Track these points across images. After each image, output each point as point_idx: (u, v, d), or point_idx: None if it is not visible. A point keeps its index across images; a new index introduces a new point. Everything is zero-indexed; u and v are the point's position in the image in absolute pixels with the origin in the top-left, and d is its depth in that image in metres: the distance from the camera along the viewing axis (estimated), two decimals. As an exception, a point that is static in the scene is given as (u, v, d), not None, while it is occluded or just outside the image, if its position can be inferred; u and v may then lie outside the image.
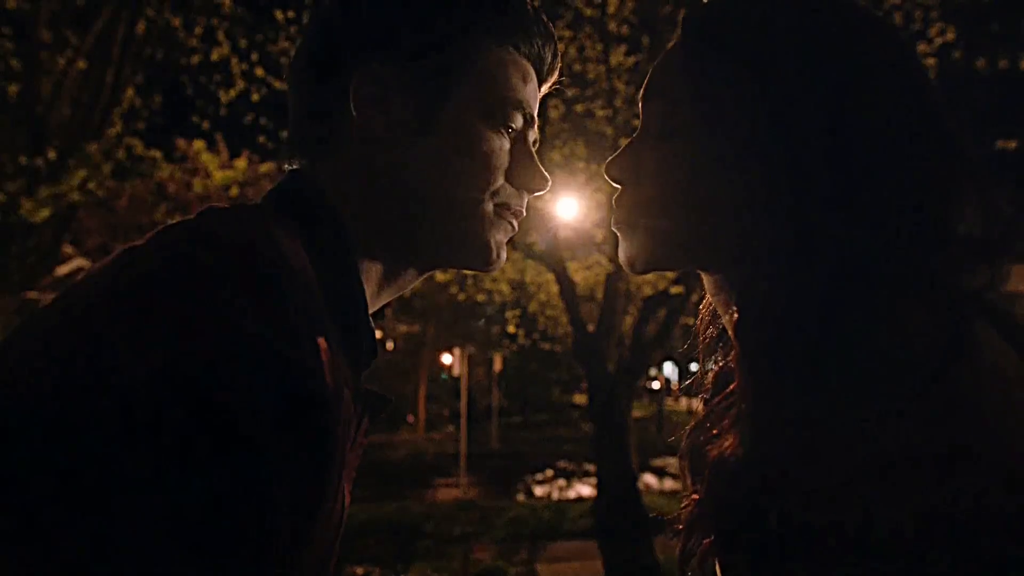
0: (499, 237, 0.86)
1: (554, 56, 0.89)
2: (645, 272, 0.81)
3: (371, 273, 0.82)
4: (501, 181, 0.84)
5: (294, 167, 0.84)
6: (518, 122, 0.85)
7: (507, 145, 0.85)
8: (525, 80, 0.86)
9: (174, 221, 0.66)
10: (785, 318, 0.64)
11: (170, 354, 0.52)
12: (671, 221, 0.76)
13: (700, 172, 0.73)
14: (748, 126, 0.69)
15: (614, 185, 0.83)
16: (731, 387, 0.79)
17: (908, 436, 0.55)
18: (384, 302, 0.87)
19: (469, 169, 0.82)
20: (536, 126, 0.89)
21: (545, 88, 0.92)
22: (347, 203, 0.80)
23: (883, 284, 0.63)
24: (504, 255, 0.87)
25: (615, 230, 0.82)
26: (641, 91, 0.82)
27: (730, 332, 0.76)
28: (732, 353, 0.71)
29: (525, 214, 0.88)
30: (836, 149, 0.66)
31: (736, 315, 0.70)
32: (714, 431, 0.75)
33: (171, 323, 0.53)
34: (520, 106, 0.85)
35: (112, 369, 0.51)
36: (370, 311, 0.81)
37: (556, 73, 0.91)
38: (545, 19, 0.88)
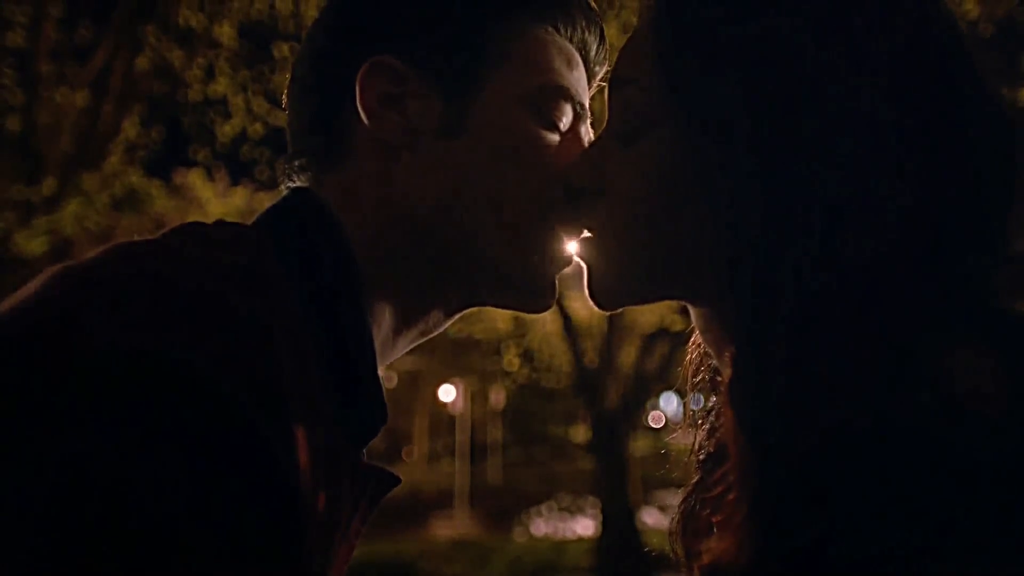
0: (551, 268, 0.69)
1: (600, 42, 0.74)
2: (616, 308, 0.66)
3: (383, 315, 0.66)
4: (552, 190, 0.67)
5: (296, 184, 0.70)
6: (567, 115, 0.69)
7: (556, 143, 0.68)
8: (571, 65, 0.70)
9: (134, 241, 0.55)
10: (792, 380, 0.48)
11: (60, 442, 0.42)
12: (642, 243, 0.62)
13: (675, 181, 0.59)
14: (738, 122, 0.54)
15: (576, 198, 0.67)
16: (727, 466, 0.62)
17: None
18: (400, 353, 0.70)
19: (510, 176, 0.66)
20: (590, 122, 0.73)
21: (594, 85, 0.75)
22: (356, 226, 0.65)
23: (921, 319, 0.48)
24: (555, 292, 0.70)
25: (579, 259, 0.67)
26: (609, 78, 0.68)
27: (722, 383, 0.63)
28: (724, 418, 0.57)
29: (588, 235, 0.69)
30: (858, 146, 0.52)
31: (729, 369, 0.56)
32: (709, 514, 0.63)
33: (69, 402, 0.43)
34: (568, 96, 0.69)
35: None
36: (382, 363, 0.65)
37: (605, 65, 0.75)
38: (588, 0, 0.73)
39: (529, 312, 0.71)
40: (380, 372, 0.65)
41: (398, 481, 0.66)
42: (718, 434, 0.69)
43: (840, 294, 0.50)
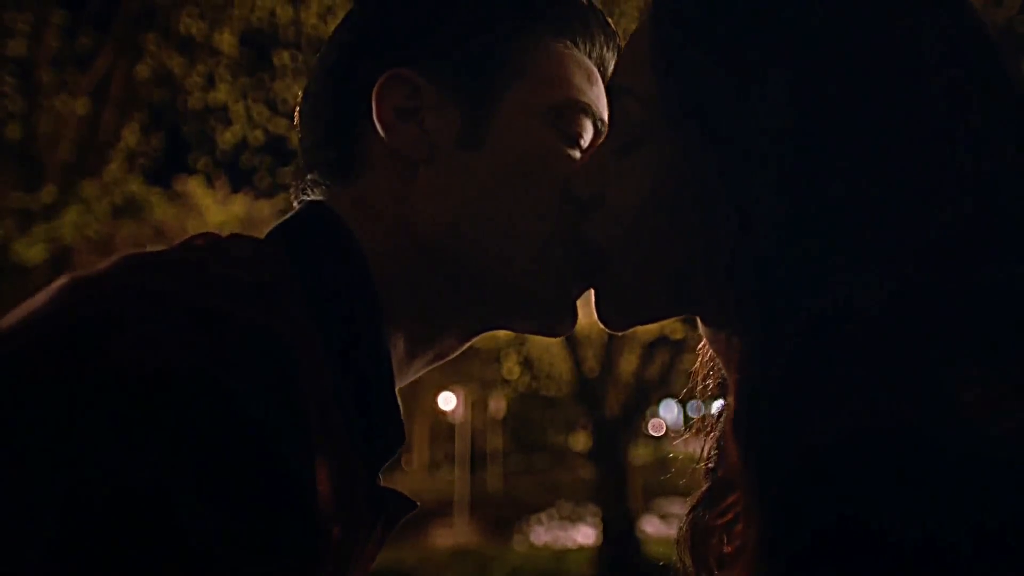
0: (571, 288, 0.67)
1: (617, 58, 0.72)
2: (625, 328, 0.65)
3: (399, 336, 0.64)
4: (568, 197, 0.65)
5: (310, 198, 0.68)
6: (588, 131, 0.68)
7: (576, 159, 0.67)
8: (590, 81, 0.69)
9: (145, 252, 0.54)
10: (801, 418, 0.45)
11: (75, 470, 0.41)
12: (643, 256, 0.60)
13: (671, 194, 0.57)
14: (734, 136, 0.52)
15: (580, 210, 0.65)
16: (735, 496, 0.60)
17: None
18: (415, 375, 0.68)
19: (529, 191, 0.64)
20: None
21: None
22: (372, 242, 0.63)
23: (941, 334, 0.45)
24: (576, 314, 0.68)
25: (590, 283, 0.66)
26: (606, 87, 0.66)
27: (730, 400, 0.60)
28: (728, 450, 0.54)
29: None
30: (862, 161, 0.49)
31: (734, 400, 0.52)
32: (719, 543, 0.61)
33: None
34: (589, 111, 0.67)
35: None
36: (398, 384, 0.64)
37: None
38: (605, 15, 0.72)
39: (549, 336, 0.69)
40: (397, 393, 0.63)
41: (415, 506, 0.64)
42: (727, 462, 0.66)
43: (850, 312, 0.47)
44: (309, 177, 0.68)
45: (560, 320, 0.68)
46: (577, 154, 0.67)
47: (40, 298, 0.49)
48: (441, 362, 0.70)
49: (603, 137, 0.68)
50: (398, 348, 0.64)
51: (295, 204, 0.69)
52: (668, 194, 0.58)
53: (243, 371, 0.46)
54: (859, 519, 0.42)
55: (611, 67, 0.71)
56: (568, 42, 0.69)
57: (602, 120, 0.69)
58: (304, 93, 0.71)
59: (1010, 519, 0.40)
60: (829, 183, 0.50)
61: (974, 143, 0.50)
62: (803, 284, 0.49)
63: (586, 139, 0.68)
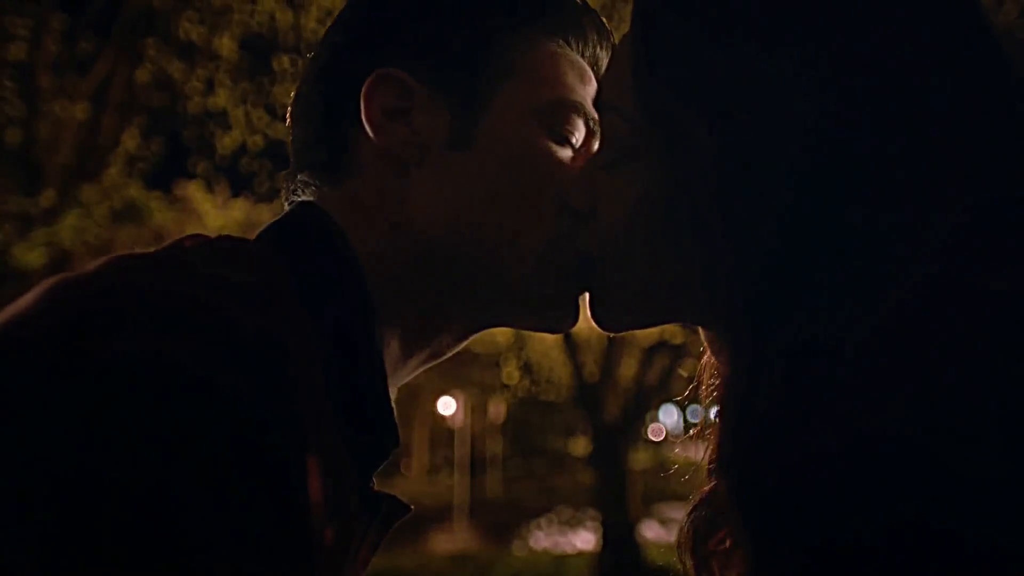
0: (568, 285, 0.66)
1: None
2: (618, 331, 0.65)
3: (394, 336, 0.64)
4: (564, 206, 0.64)
5: (300, 199, 0.68)
6: (580, 130, 0.67)
7: (568, 158, 0.66)
8: (583, 80, 0.68)
9: (135, 253, 0.53)
10: (783, 449, 0.44)
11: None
12: (633, 267, 0.60)
13: (655, 210, 0.57)
14: (708, 157, 0.51)
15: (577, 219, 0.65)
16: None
17: None
18: (408, 376, 0.68)
19: (521, 190, 0.64)
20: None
21: None
22: (363, 243, 0.63)
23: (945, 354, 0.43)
24: (577, 311, 0.68)
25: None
26: (594, 101, 0.66)
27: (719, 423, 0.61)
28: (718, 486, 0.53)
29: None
30: (868, 173, 0.48)
31: (719, 428, 0.52)
32: (720, 566, 0.62)
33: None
34: (581, 111, 0.66)
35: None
36: (393, 385, 0.63)
37: None
38: (599, 15, 0.71)
39: (552, 332, 0.70)
40: (391, 395, 0.62)
41: (408, 509, 0.64)
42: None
43: (839, 338, 0.45)
44: (300, 178, 0.68)
45: (560, 318, 0.68)
46: (569, 153, 0.66)
47: (29, 298, 0.48)
48: (438, 361, 0.69)
49: (597, 136, 0.68)
50: (392, 348, 0.64)
51: (286, 205, 0.69)
52: (656, 210, 0.57)
53: (236, 369, 0.45)
54: (843, 546, 0.41)
55: (605, 64, 0.71)
56: (560, 41, 0.68)
57: (594, 119, 0.68)
58: (296, 94, 0.70)
59: (1002, 544, 0.39)
60: (819, 203, 0.48)
61: (979, 163, 0.49)
62: (793, 307, 0.47)
63: (578, 138, 0.67)
